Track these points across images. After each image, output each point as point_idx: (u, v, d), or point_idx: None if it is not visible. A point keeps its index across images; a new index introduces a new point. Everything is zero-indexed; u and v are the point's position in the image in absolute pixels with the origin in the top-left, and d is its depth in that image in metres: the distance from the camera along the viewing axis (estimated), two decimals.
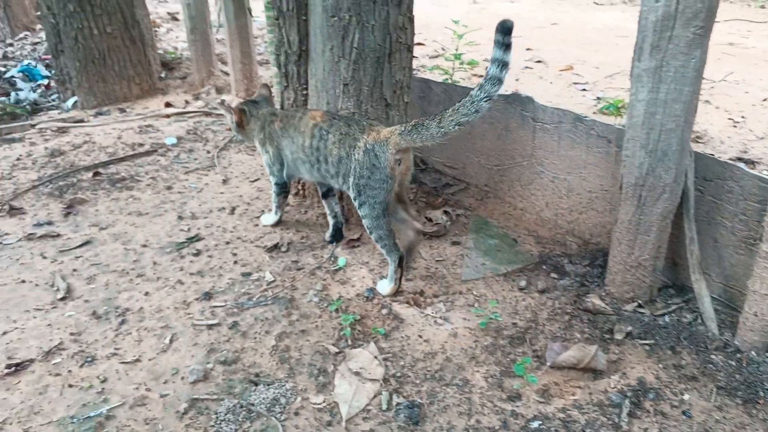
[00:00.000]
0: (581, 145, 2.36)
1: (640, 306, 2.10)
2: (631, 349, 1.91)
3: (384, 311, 2.04)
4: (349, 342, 1.90)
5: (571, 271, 2.30)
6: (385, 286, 2.15)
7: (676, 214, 2.01)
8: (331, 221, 2.46)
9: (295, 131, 2.25)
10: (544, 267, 2.32)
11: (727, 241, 2.01)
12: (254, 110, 2.46)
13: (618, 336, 1.97)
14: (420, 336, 1.94)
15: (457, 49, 3.84)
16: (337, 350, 1.86)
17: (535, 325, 2.01)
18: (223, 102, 2.67)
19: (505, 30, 1.82)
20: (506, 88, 4.37)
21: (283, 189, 2.48)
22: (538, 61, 5.16)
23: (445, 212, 2.58)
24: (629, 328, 1.99)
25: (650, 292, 2.12)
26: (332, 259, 2.34)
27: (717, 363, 1.84)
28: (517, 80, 4.66)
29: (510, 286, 2.20)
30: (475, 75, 4.67)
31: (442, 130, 1.88)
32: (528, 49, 5.57)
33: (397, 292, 2.12)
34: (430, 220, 2.56)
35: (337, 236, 2.45)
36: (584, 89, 4.40)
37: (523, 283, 2.21)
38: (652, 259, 2.05)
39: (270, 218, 2.56)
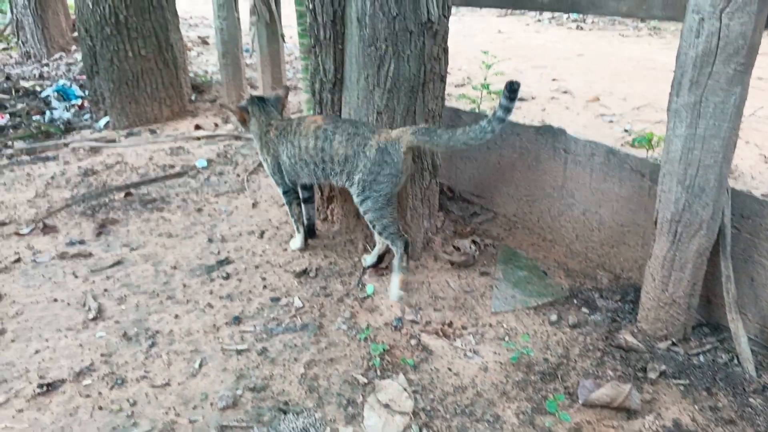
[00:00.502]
0: (614, 178, 2.35)
1: (673, 344, 2.05)
2: (666, 389, 1.86)
3: (413, 342, 2.02)
4: (378, 372, 1.88)
5: (603, 306, 2.26)
6: (395, 283, 2.25)
7: (712, 251, 1.97)
8: (305, 223, 2.60)
9: (295, 136, 2.34)
10: (575, 301, 2.29)
11: (765, 280, 1.96)
12: (257, 110, 2.49)
13: (652, 375, 1.92)
14: (449, 369, 1.91)
15: (485, 79, 3.86)
16: (366, 381, 1.84)
17: (567, 360, 1.98)
18: (223, 103, 2.73)
19: (512, 90, 2.03)
20: (533, 118, 4.41)
21: (291, 196, 2.52)
22: (565, 92, 5.17)
23: (474, 242, 2.56)
24: (663, 367, 1.94)
25: (684, 330, 2.08)
26: (360, 286, 2.33)
27: (755, 407, 1.79)
28: (543, 110, 4.67)
29: (540, 319, 2.17)
30: None
31: (450, 143, 2.12)
32: (554, 80, 5.59)
33: (425, 324, 2.10)
34: (458, 249, 2.55)
35: (311, 233, 2.65)
36: (611, 120, 4.39)
37: (554, 317, 2.18)
38: (686, 297, 2.01)
39: (297, 241, 2.57)
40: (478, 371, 1.90)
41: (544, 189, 2.62)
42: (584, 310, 2.24)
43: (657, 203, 1.99)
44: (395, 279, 2.25)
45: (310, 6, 2.42)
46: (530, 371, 1.92)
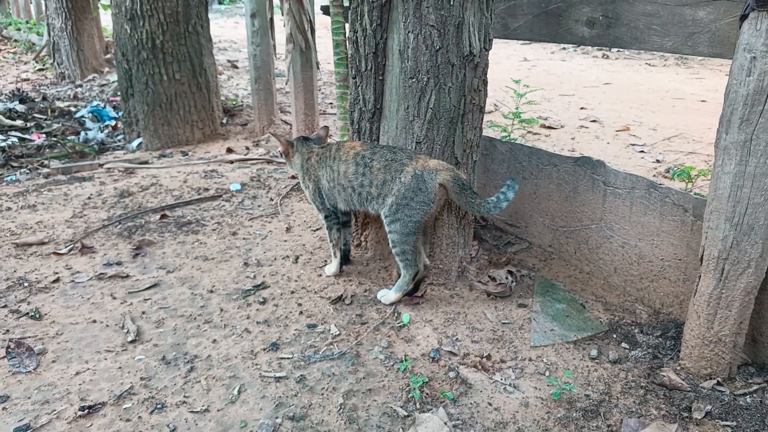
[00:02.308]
0: (655, 212, 2.32)
1: (719, 384, 2.00)
2: (712, 430, 1.82)
3: (451, 374, 2.00)
4: (418, 405, 1.86)
5: (643, 341, 2.22)
6: (390, 296, 2.37)
7: (759, 289, 1.94)
8: (342, 249, 2.61)
9: (334, 161, 2.39)
10: (615, 336, 2.25)
11: None
12: (301, 147, 2.57)
13: (697, 415, 1.87)
14: (490, 403, 1.88)
15: (517, 108, 3.88)
16: (406, 413, 1.82)
17: (609, 398, 1.94)
18: (274, 133, 2.80)
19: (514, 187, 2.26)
20: (562, 147, 4.40)
21: (332, 221, 2.54)
22: (593, 121, 5.17)
23: (510, 272, 2.54)
24: (709, 407, 1.89)
25: (729, 369, 2.03)
26: (396, 315, 2.32)
27: None
28: (573, 139, 4.66)
29: (581, 354, 2.14)
30: (530, 132, 4.69)
31: (466, 206, 2.29)
32: (582, 108, 5.60)
33: (463, 356, 2.08)
34: (493, 279, 2.53)
35: (346, 260, 2.67)
36: (642, 151, 4.37)
37: (594, 352, 2.14)
38: (732, 335, 1.97)
39: (333, 266, 2.57)
40: (519, 407, 1.87)
41: (581, 221, 2.60)
42: (624, 345, 2.20)
43: (703, 240, 1.97)
44: (393, 294, 2.37)
45: (353, 38, 2.46)
46: (572, 408, 1.88)
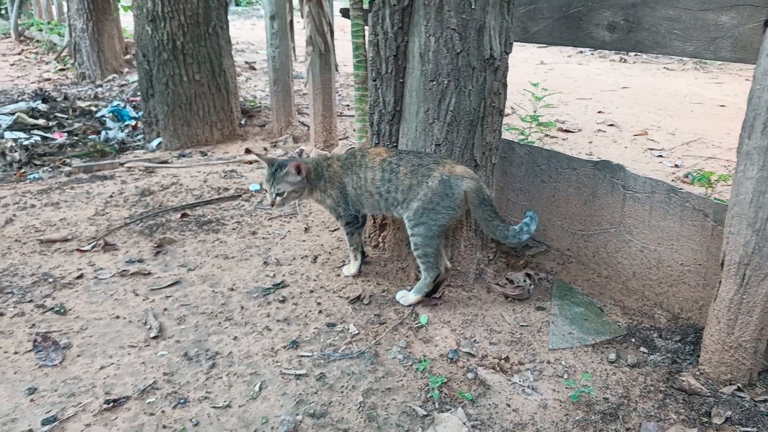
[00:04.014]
0: (674, 216, 2.32)
1: (739, 389, 2.00)
2: None
3: (470, 375, 2.01)
4: (437, 405, 1.87)
5: (662, 346, 2.22)
6: (410, 297, 2.40)
7: None
8: (362, 250, 2.63)
9: (360, 168, 2.38)
10: (633, 340, 2.25)
11: None
12: (315, 162, 2.51)
13: (717, 420, 1.87)
14: (508, 405, 1.89)
15: (535, 111, 3.88)
16: (425, 413, 1.83)
17: (628, 401, 1.94)
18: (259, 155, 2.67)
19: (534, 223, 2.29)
20: (580, 150, 4.40)
21: (354, 226, 2.53)
22: (611, 125, 5.15)
23: (528, 275, 2.55)
24: (729, 413, 1.89)
25: (750, 375, 2.02)
26: (413, 315, 2.34)
27: None
28: (590, 143, 4.65)
29: (599, 358, 2.14)
30: (547, 135, 4.69)
31: (481, 222, 2.31)
32: (599, 112, 5.58)
33: (481, 358, 2.09)
34: (511, 281, 2.54)
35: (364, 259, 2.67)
36: (660, 155, 4.35)
37: (612, 356, 2.15)
38: (753, 341, 1.96)
39: (352, 267, 2.59)
40: (537, 408, 1.88)
41: (600, 224, 2.60)
42: (643, 349, 2.20)
43: (724, 245, 1.96)
44: (413, 296, 2.39)
45: (374, 41, 2.48)
46: (591, 411, 1.89)
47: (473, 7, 2.20)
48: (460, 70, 2.27)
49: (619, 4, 2.38)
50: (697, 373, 2.07)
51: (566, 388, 1.97)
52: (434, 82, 2.31)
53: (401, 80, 2.48)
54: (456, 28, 2.22)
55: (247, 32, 11.79)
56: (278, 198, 2.41)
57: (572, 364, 2.10)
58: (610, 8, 2.41)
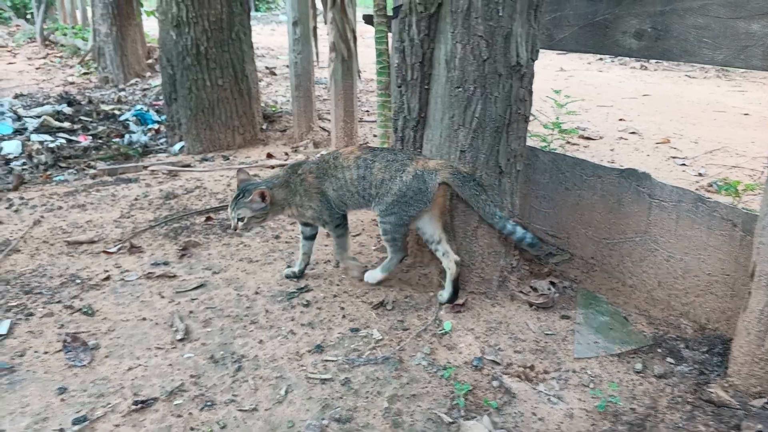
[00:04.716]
0: (702, 226, 2.30)
1: None
2: None
3: (494, 383, 2.00)
4: (462, 412, 1.87)
5: (689, 357, 2.19)
6: (376, 275, 2.54)
7: None
8: (306, 261, 2.66)
9: (336, 169, 2.44)
10: (659, 350, 2.23)
11: None
12: (284, 178, 2.50)
13: None
14: (534, 413, 1.88)
15: (557, 118, 3.87)
16: (451, 420, 1.83)
17: (655, 412, 1.92)
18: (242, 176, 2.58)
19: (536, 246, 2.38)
20: (601, 158, 4.37)
21: (343, 228, 2.56)
22: (632, 133, 5.11)
23: (552, 283, 2.54)
24: (759, 426, 1.86)
25: None
26: (437, 322, 2.34)
27: None
28: (612, 150, 4.63)
29: (625, 368, 2.12)
30: (568, 142, 4.67)
31: (471, 200, 2.34)
32: (621, 120, 5.54)
33: (506, 366, 2.08)
34: (535, 289, 2.53)
35: (303, 270, 2.68)
36: (684, 164, 4.31)
37: (638, 366, 2.13)
38: None
39: (376, 274, 2.58)
40: (563, 417, 1.87)
41: (625, 233, 2.58)
42: (669, 360, 2.18)
43: (754, 255, 1.94)
44: (379, 273, 2.53)
45: (400, 47, 2.50)
46: (617, 421, 1.87)
47: (501, 14, 2.20)
48: (487, 77, 2.27)
49: (647, 12, 2.37)
50: (726, 385, 2.04)
51: (592, 397, 1.96)
52: (460, 89, 2.31)
53: (426, 87, 2.49)
54: (483, 35, 2.22)
55: (267, 38, 11.88)
56: (240, 223, 2.41)
57: (598, 373, 2.08)
58: (637, 16, 2.40)
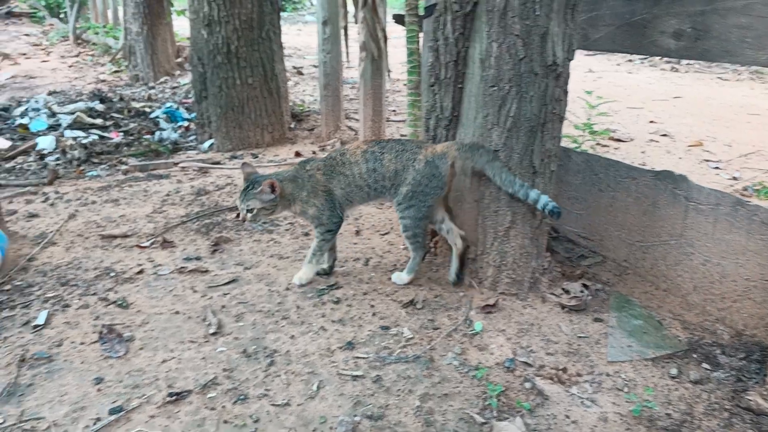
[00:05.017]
0: (740, 230, 2.25)
1: None
2: None
3: (527, 385, 1.99)
4: (495, 413, 1.85)
5: (725, 363, 2.15)
6: (403, 277, 2.56)
7: None
8: (332, 256, 2.66)
9: (344, 166, 2.46)
10: (694, 355, 2.19)
11: None
12: (294, 174, 2.50)
13: None
14: (567, 416, 1.86)
15: (589, 119, 3.83)
16: (483, 420, 1.82)
17: (691, 418, 1.88)
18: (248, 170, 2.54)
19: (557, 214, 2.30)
20: (632, 160, 4.31)
21: (333, 233, 2.54)
22: (664, 135, 5.03)
23: (584, 285, 2.51)
24: None
25: None
26: (468, 322, 2.32)
27: None
28: (643, 152, 4.56)
29: (660, 372, 2.09)
30: (598, 144, 4.62)
31: (486, 167, 2.34)
32: (651, 122, 5.46)
33: (538, 368, 2.07)
34: (567, 291, 2.50)
35: (333, 266, 2.69)
36: (717, 167, 4.23)
37: (673, 371, 2.09)
38: None
39: (403, 276, 2.58)
40: (597, 421, 1.85)
41: (660, 236, 2.54)
42: (705, 366, 2.14)
43: None
44: (405, 276, 2.56)
45: (434, 46, 2.49)
46: (653, 426, 1.84)
47: (537, 13, 2.19)
48: (522, 76, 2.26)
49: (686, 12, 2.33)
50: (765, 392, 2.00)
51: (627, 401, 1.93)
52: (495, 88, 2.30)
53: (460, 85, 2.49)
54: (519, 34, 2.21)
55: (293, 37, 11.94)
56: (249, 214, 2.41)
57: (632, 377, 2.05)
58: (677, 16, 2.37)
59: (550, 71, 2.28)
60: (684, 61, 8.41)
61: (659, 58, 8.58)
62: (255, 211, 2.41)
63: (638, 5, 2.49)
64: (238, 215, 3.18)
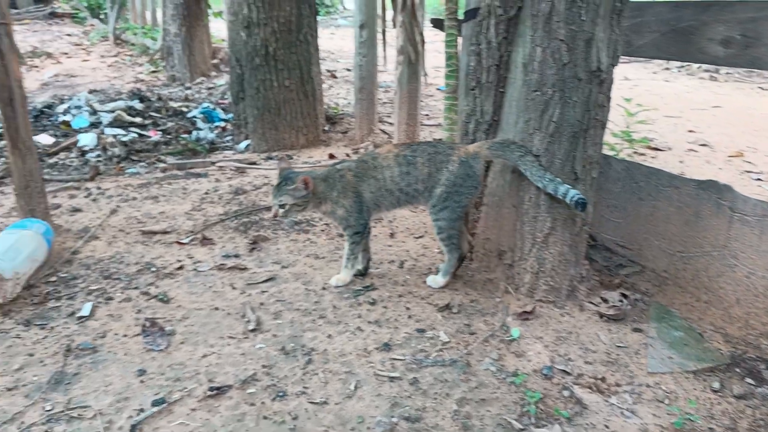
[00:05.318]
0: None
1: None
2: None
3: (565, 393, 1.97)
4: (533, 420, 1.84)
5: None
6: (438, 280, 2.56)
7: None
8: (366, 257, 2.67)
9: (376, 170, 2.47)
10: (737, 370, 2.14)
11: None
12: (326, 174, 2.52)
13: None
14: (606, 426, 1.84)
15: (628, 127, 3.78)
16: (521, 427, 1.81)
17: None
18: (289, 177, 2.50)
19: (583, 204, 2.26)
20: (671, 169, 4.23)
21: (362, 235, 2.55)
22: (703, 145, 4.94)
23: (623, 295, 2.48)
24: None
25: None
26: (504, 328, 2.31)
27: None
28: (681, 162, 4.49)
29: (702, 385, 2.05)
30: (636, 152, 4.55)
31: (518, 162, 2.33)
32: (690, 131, 5.37)
33: (577, 376, 2.05)
34: (605, 300, 2.47)
35: (367, 267, 2.70)
36: (759, 179, 4.13)
37: (716, 385, 2.05)
38: None
39: (439, 280, 2.58)
40: None
41: (702, 246, 2.50)
42: (749, 380, 2.09)
43: None
44: (441, 279, 2.56)
45: (476, 50, 2.50)
46: None
47: (583, 18, 2.17)
48: (566, 81, 2.24)
49: (736, 19, 2.29)
50: None
51: (668, 414, 1.90)
52: (538, 93, 2.29)
53: (501, 90, 2.48)
54: (564, 39, 2.20)
55: (326, 41, 12.03)
56: (281, 210, 2.43)
57: (673, 389, 2.02)
58: (725, 23, 2.33)
59: (594, 77, 2.26)
60: (723, 70, 8.24)
61: (697, 66, 8.43)
62: (287, 206, 2.43)
63: (685, 12, 2.46)
64: (275, 215, 3.24)
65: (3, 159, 4.51)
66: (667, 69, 8.75)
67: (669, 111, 6.07)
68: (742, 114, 6.04)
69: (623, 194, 2.80)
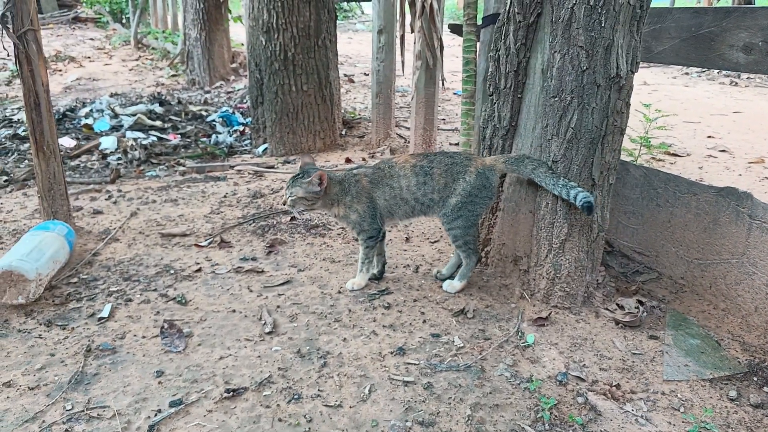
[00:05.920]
0: None
1: None
2: None
3: (579, 399, 1.96)
4: (546, 426, 1.84)
5: None
6: (455, 285, 2.57)
7: None
8: (381, 261, 2.69)
9: (392, 178, 2.48)
10: (755, 379, 2.12)
11: None
12: (342, 177, 2.54)
13: None
14: None
15: (646, 132, 3.75)
16: None
17: None
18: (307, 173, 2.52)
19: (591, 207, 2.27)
20: (690, 175, 4.20)
21: (375, 240, 2.56)
22: (722, 151, 4.89)
23: (639, 302, 2.46)
24: None
25: None
26: (519, 334, 2.31)
27: None
28: (700, 168, 4.44)
29: (718, 394, 2.03)
30: (654, 158, 4.52)
31: (532, 175, 2.36)
32: (709, 137, 5.32)
33: (591, 383, 2.04)
34: (621, 307, 2.46)
35: (383, 271, 2.72)
36: None
37: (733, 394, 2.03)
38: None
39: (455, 284, 2.58)
40: None
41: (720, 254, 2.48)
42: (766, 389, 2.07)
43: None
44: (458, 283, 2.57)
45: (495, 56, 2.50)
46: None
47: (603, 25, 2.17)
48: (585, 87, 2.24)
49: (758, 25, 2.27)
50: None
51: (683, 422, 1.88)
52: (556, 98, 2.29)
53: (519, 95, 2.49)
54: (583, 46, 2.20)
55: (344, 46, 12.09)
56: (289, 199, 2.47)
57: (689, 397, 2.00)
58: (747, 29, 2.31)
59: (613, 83, 2.26)
60: (744, 75, 8.14)
61: (717, 71, 8.33)
62: (296, 198, 2.46)
63: (706, 18, 2.45)
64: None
65: (27, 161, 4.61)
66: (687, 74, 8.66)
67: (688, 116, 6.02)
68: (764, 120, 5.96)
69: (641, 201, 2.79)
